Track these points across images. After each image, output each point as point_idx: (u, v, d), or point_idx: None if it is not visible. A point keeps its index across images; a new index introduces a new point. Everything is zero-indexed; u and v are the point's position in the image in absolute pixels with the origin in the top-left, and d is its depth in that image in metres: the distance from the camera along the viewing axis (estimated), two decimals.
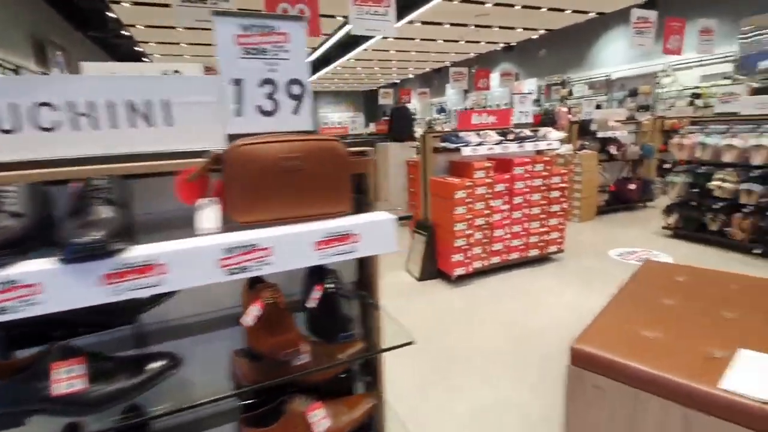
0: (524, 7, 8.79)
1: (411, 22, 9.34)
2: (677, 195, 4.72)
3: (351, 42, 11.88)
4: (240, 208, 0.80)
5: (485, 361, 2.52)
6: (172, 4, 3.58)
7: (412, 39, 11.42)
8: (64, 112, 0.86)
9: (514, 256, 3.95)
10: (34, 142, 0.84)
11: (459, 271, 3.66)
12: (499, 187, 3.73)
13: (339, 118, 23.64)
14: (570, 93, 11.65)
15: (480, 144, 3.70)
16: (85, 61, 1.54)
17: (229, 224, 0.81)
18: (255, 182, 0.80)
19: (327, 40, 11.09)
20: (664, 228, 4.84)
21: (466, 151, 3.61)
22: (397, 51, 13.15)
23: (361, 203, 1.00)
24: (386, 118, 8.14)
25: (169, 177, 0.89)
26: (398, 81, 21.02)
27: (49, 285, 0.63)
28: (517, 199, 3.84)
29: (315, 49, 12.21)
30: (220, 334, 1.09)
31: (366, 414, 1.10)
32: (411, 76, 19.36)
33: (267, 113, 1.09)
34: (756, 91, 6.18)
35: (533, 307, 3.21)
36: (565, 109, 10.99)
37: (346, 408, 1.07)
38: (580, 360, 1.63)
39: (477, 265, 3.76)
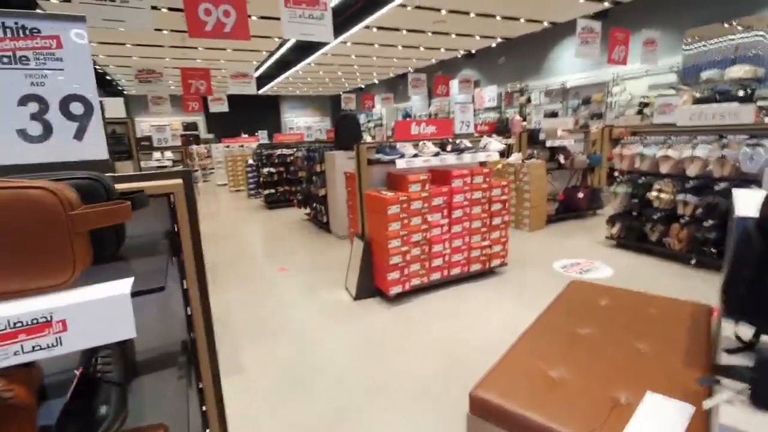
0: (478, 15, 8.81)
1: (368, 27, 9.19)
2: (620, 205, 4.73)
3: (310, 46, 11.62)
4: None
5: (403, 394, 2.33)
6: None
7: (371, 44, 11.28)
8: None
9: (456, 271, 3.81)
10: None
11: (396, 290, 3.48)
12: (437, 201, 3.58)
13: (305, 122, 23.31)
14: (528, 100, 11.81)
15: (416, 156, 3.54)
16: None
17: None
18: None
19: (283, 43, 10.79)
20: (607, 238, 4.84)
21: (401, 164, 3.44)
22: (357, 56, 12.97)
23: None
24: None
25: None
26: (363, 86, 20.87)
27: None
28: (457, 213, 3.70)
29: (271, 53, 11.87)
30: None
31: None
32: (376, 81, 19.25)
33: (33, 139, 0.85)
34: (698, 101, 6.36)
35: (469, 327, 3.06)
36: (519, 118, 11.10)
37: None
38: (479, 408, 1.46)
39: (415, 282, 3.59)
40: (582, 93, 10.29)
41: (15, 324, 0.54)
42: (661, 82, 8.70)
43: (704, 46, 7.58)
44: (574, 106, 10.40)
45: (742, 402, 0.92)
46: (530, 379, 1.49)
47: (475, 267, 3.90)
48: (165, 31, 8.84)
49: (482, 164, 4.10)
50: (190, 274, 1.07)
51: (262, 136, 11.58)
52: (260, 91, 19.78)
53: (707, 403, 1.01)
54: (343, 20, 9.21)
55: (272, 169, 8.58)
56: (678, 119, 4.30)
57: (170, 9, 7.35)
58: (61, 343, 0.55)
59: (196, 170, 15.19)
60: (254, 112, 21.51)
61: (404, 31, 10.03)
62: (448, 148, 3.81)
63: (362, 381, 2.47)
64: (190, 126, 21.58)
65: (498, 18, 9.10)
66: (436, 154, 3.66)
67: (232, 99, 12.43)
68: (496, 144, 3.94)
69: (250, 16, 8.13)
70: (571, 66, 10.53)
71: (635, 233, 4.58)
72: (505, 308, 3.34)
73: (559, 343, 1.71)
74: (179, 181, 1.02)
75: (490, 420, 1.42)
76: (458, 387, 2.30)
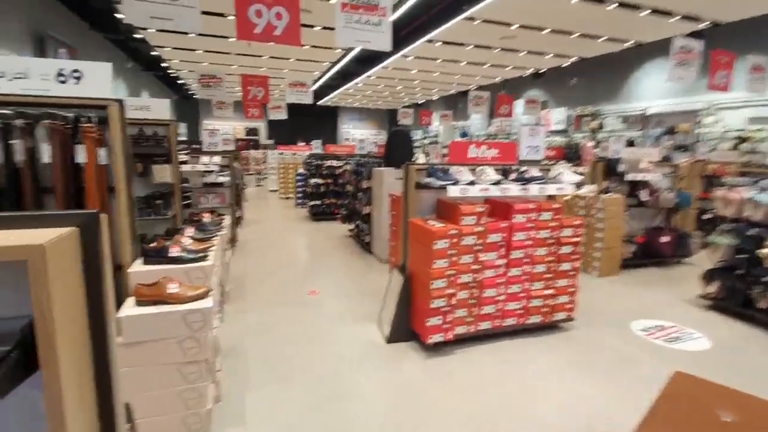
0: (553, 31, 8.13)
1: (431, 41, 8.83)
2: (719, 259, 3.88)
3: (372, 58, 11.48)
4: None
5: None
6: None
7: (434, 59, 10.90)
8: None
9: (510, 322, 3.21)
10: None
11: (435, 338, 2.95)
12: (494, 238, 3.03)
13: (361, 135, 23.40)
14: (600, 126, 10.82)
15: (472, 183, 3.02)
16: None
17: None
18: None
19: (346, 54, 10.71)
20: (701, 297, 3.99)
21: (454, 191, 2.94)
22: (419, 71, 12.66)
23: None
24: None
25: None
26: (421, 102, 20.57)
27: None
28: (516, 254, 3.12)
29: (334, 64, 11.86)
30: None
31: None
32: (435, 97, 18.87)
33: None
34: None
35: (522, 401, 2.46)
36: (591, 144, 10.14)
37: None
38: None
39: (460, 330, 3.04)
40: (665, 121, 9.20)
41: None
42: (763, 114, 7.52)
43: None
44: (655, 135, 9.31)
45: None
46: None
47: (535, 319, 3.28)
48: (231, 39, 9.04)
49: (551, 198, 3.50)
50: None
51: (316, 145, 11.54)
52: (320, 102, 20.12)
53: None
54: (406, 34, 8.93)
55: (320, 180, 8.38)
56: None
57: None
58: None
59: (251, 174, 15.55)
60: (313, 121, 21.91)
61: (470, 47, 9.55)
62: (512, 176, 3.26)
63: None
64: (252, 131, 22.41)
65: (574, 35, 8.36)
66: (497, 183, 3.12)
67: (293, 107, 12.58)
68: (570, 175, 3.33)
69: (312, 26, 8.10)
70: (653, 90, 9.49)
71: (739, 296, 3.71)
72: (571, 381, 2.69)
73: None
74: (60, 234, 0.59)
75: None
76: None
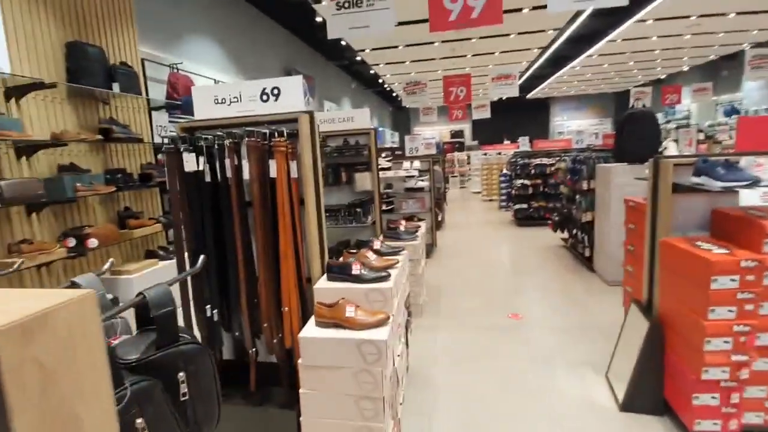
0: None
1: None
2: None
3: (592, 35, 9.75)
4: None
5: None
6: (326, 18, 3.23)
7: (685, 17, 8.36)
8: None
9: None
10: None
11: (707, 426, 1.91)
12: None
13: (578, 126, 20.56)
14: None
15: None
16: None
17: None
18: None
19: (559, 35, 9.37)
20: None
21: (749, 198, 1.82)
22: (660, 37, 10.01)
23: None
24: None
25: None
26: (663, 77, 16.50)
27: None
28: None
29: (544, 49, 10.59)
30: None
31: None
32: (685, 68, 14.78)
33: None
34: None
35: None
36: None
37: None
38: None
39: (753, 419, 1.89)
40: None
41: None
42: None
43: None
44: None
45: None
46: None
47: None
48: (436, 43, 9.09)
49: None
50: None
51: (523, 142, 10.54)
52: (529, 95, 18.65)
53: None
54: None
55: (526, 181, 7.48)
56: None
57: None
58: None
59: (455, 176, 15.62)
60: (520, 117, 20.57)
61: None
62: None
63: None
64: (457, 134, 22.72)
65: None
66: None
67: (497, 105, 11.93)
68: None
69: (520, 10, 7.28)
70: None
71: None
72: None
73: None
74: None
75: None
76: None
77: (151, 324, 0.99)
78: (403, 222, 4.02)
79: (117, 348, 0.93)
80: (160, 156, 4.29)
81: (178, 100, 4.46)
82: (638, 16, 8.23)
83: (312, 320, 1.93)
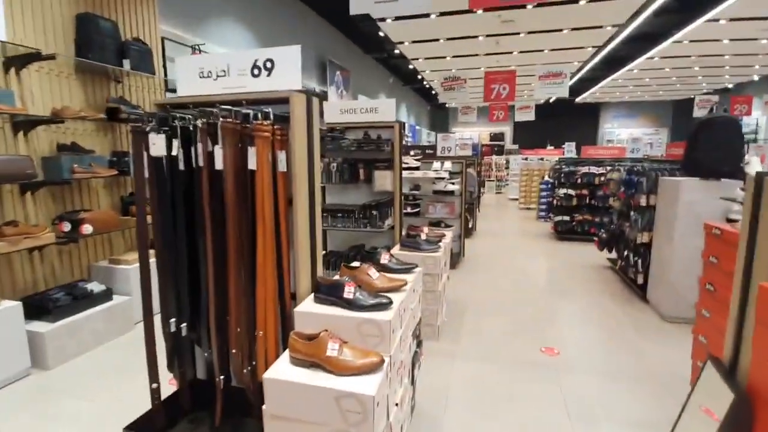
0: None
1: None
2: None
3: (658, 34, 8.85)
4: None
5: None
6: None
7: (764, 18, 7.35)
8: None
9: None
10: None
11: None
12: None
13: (630, 134, 19.15)
14: None
15: None
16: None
17: None
18: None
19: (617, 33, 8.54)
20: None
21: None
22: (732, 40, 8.94)
23: None
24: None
25: None
26: (730, 86, 15.01)
27: None
28: None
29: (599, 49, 9.74)
30: None
31: None
32: (755, 77, 13.34)
33: None
34: None
35: None
36: None
37: None
38: None
39: None
40: None
41: None
42: None
43: None
44: None
45: None
46: None
47: None
48: (480, 38, 8.51)
49: None
50: None
51: (569, 149, 9.74)
52: (578, 98, 17.56)
53: None
54: None
55: (571, 191, 6.80)
56: None
57: (485, 10, 6.76)
58: None
59: (491, 180, 14.89)
60: (566, 122, 19.45)
61: None
62: None
63: None
64: (497, 136, 21.82)
65: None
66: None
67: (542, 108, 11.16)
68: None
69: (577, 1, 6.60)
70: None
71: None
72: None
73: None
74: None
75: None
76: None
77: None
78: (426, 229, 3.55)
79: None
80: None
81: None
82: (710, 15, 7.33)
83: (286, 354, 1.51)
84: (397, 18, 7.38)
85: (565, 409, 2.31)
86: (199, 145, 1.64)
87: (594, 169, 6.80)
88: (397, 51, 9.82)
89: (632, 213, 4.22)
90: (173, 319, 1.82)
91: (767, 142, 12.98)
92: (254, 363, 1.72)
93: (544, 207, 8.66)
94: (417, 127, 18.74)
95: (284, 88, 1.72)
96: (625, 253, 4.41)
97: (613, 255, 5.04)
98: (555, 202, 7.10)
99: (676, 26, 8.34)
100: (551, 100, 16.50)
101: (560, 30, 7.97)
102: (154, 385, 1.83)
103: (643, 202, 3.89)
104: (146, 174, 1.74)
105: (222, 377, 1.77)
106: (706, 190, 3.16)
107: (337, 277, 1.78)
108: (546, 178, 8.84)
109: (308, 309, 1.64)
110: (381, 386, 1.37)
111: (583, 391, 2.49)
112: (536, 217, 9.03)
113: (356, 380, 1.36)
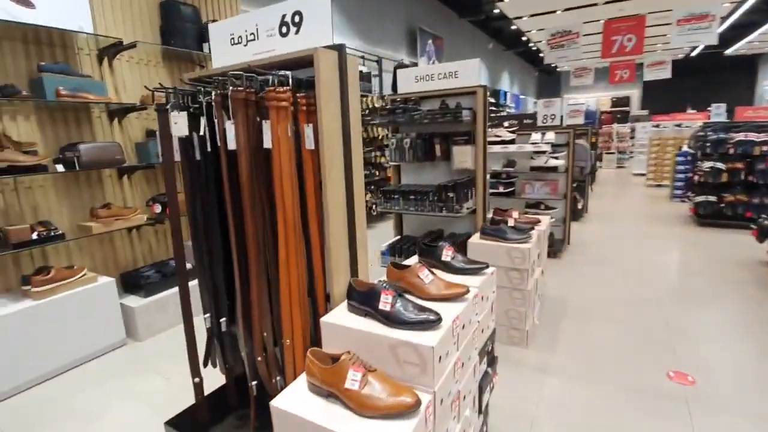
0: None
1: None
2: None
3: None
4: None
5: None
6: None
7: None
8: None
9: None
10: None
11: None
12: None
13: None
14: None
15: None
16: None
17: None
18: None
19: None
20: None
21: None
22: None
23: None
24: None
25: None
26: None
27: None
28: None
29: None
30: None
31: None
32: None
33: None
34: None
35: None
36: None
37: None
38: None
39: None
40: None
41: None
42: None
43: None
44: None
45: None
46: None
47: None
48: None
49: None
50: None
51: (717, 111, 7.79)
52: (728, 50, 14.15)
53: None
54: None
55: (720, 165, 5.38)
56: None
57: None
58: None
59: (611, 152, 12.92)
60: (713, 80, 15.94)
61: None
62: None
63: None
64: (621, 101, 18.90)
65: None
66: None
67: (681, 64, 9.11)
68: None
69: None
70: None
71: None
72: None
73: None
74: None
75: None
76: None
77: None
78: (515, 213, 2.99)
79: None
80: None
81: None
82: None
83: (303, 377, 1.23)
84: None
85: None
86: (216, 122, 1.41)
87: (753, 136, 5.26)
88: (497, 11, 8.82)
89: None
90: (207, 315, 1.69)
91: None
92: (282, 375, 1.49)
93: (680, 184, 7.12)
94: (522, 97, 17.12)
95: (310, 46, 1.40)
96: None
97: None
98: (697, 177, 5.72)
99: None
100: (693, 54, 13.54)
101: None
102: (197, 380, 1.74)
103: None
104: (176, 157, 1.58)
105: (254, 383, 1.59)
106: None
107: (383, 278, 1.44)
108: (684, 148, 7.23)
109: (337, 320, 1.33)
110: None
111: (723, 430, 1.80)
112: (669, 197, 7.49)
113: (381, 427, 1.02)
